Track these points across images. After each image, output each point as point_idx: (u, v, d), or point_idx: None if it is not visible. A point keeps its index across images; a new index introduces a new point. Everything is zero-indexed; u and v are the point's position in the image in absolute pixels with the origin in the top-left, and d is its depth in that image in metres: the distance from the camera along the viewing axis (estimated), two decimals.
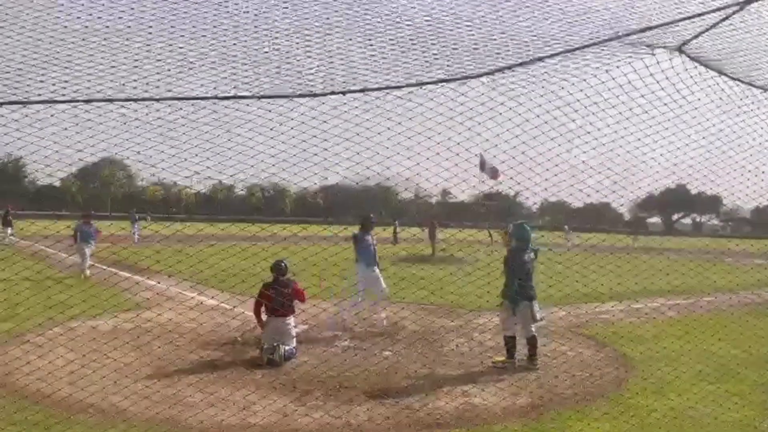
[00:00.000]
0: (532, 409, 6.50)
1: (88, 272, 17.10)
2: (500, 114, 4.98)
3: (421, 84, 4.65)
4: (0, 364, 7.48)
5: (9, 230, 29.10)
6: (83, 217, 18.45)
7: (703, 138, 5.73)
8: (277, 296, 8.24)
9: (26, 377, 6.79)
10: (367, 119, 4.80)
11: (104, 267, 18.57)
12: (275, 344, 8.03)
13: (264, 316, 8.50)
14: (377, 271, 10.78)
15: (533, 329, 8.23)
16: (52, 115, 4.42)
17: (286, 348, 8.10)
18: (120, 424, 5.73)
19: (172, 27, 4.65)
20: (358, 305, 10.54)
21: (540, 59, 4.61)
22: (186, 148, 4.89)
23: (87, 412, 6.01)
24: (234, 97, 4.67)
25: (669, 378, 7.75)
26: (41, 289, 11.51)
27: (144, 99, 4.52)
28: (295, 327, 8.48)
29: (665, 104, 5.29)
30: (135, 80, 4.60)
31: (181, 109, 4.62)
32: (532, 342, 8.23)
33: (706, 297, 14.54)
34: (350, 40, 4.78)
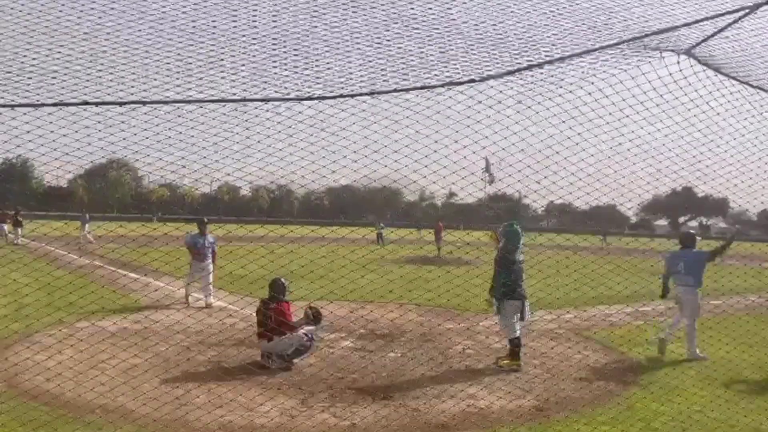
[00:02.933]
0: (538, 412, 6.49)
1: (191, 299, 12.99)
2: (507, 117, 4.99)
3: (428, 87, 4.65)
4: (9, 364, 7.53)
5: (19, 231, 29.25)
6: (198, 225, 13.31)
7: (711, 141, 5.72)
8: (265, 319, 8.00)
9: (35, 378, 6.84)
10: (374, 122, 4.81)
11: (112, 268, 18.64)
12: (270, 353, 7.96)
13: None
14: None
15: (517, 331, 8.25)
16: (62, 118, 4.46)
17: (287, 353, 7.96)
18: (127, 424, 5.76)
19: (181, 30, 4.68)
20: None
21: (547, 63, 4.61)
22: (193, 150, 4.93)
23: (95, 412, 6.04)
24: (241, 100, 4.70)
25: (676, 382, 7.72)
26: (50, 290, 11.57)
27: (152, 102, 4.55)
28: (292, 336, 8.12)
29: (673, 107, 5.28)
30: (143, 83, 4.64)
31: (189, 111, 4.65)
32: (515, 342, 8.26)
33: (713, 300, 14.45)
34: (358, 42, 4.79)
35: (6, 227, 30.43)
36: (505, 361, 8.26)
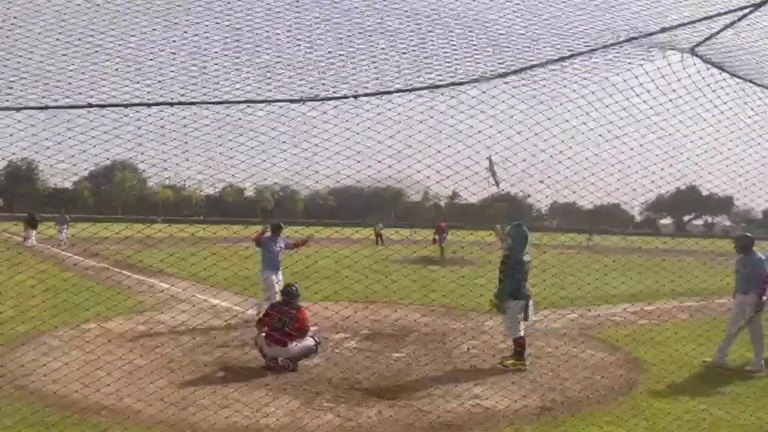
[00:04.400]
0: (543, 412, 6.48)
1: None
2: (511, 117, 4.99)
3: (433, 87, 4.66)
4: (16, 366, 7.56)
5: (33, 233, 29.16)
6: (271, 228, 11.21)
7: (715, 139, 5.71)
8: (281, 324, 7.90)
9: (42, 379, 6.86)
10: (379, 122, 4.82)
11: (118, 270, 18.68)
12: (277, 357, 7.95)
13: (262, 340, 8.06)
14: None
15: (521, 331, 8.27)
16: (67, 120, 4.48)
17: (290, 358, 7.95)
18: (134, 425, 5.78)
19: (184, 32, 4.70)
20: None
21: (551, 62, 4.61)
22: (198, 152, 4.95)
23: (101, 413, 6.06)
24: (246, 101, 4.71)
25: (682, 381, 7.71)
26: (56, 291, 11.62)
27: (157, 104, 4.57)
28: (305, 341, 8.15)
29: (677, 106, 5.28)
30: (148, 85, 4.66)
31: (194, 113, 4.67)
32: (520, 342, 8.27)
33: (718, 299, 14.41)
34: (363, 43, 4.80)
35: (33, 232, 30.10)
36: (510, 361, 8.25)
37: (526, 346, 8.33)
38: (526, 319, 8.28)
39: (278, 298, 10.61)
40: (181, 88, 4.66)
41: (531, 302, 8.31)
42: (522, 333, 8.25)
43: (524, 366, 8.14)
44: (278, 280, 10.78)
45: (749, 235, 8.85)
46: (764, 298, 8.28)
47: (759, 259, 8.48)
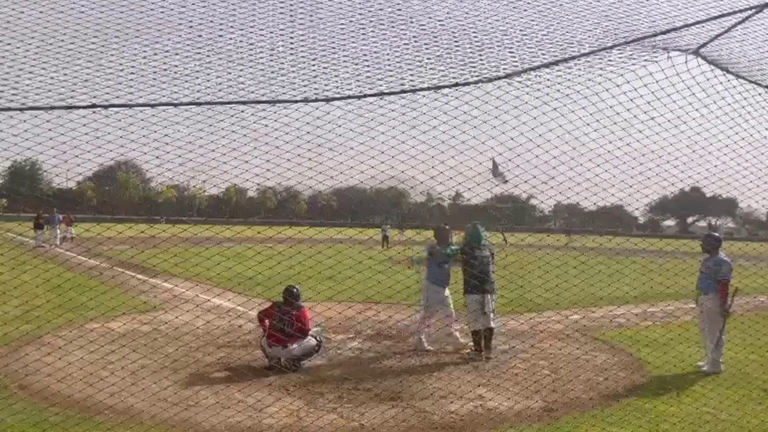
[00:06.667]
0: (546, 413, 6.47)
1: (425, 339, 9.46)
2: (514, 117, 4.99)
3: (436, 87, 4.66)
4: (19, 365, 7.59)
5: (40, 233, 29.15)
6: (437, 233, 9.64)
7: (719, 140, 5.69)
8: (282, 324, 7.93)
9: (45, 379, 6.88)
10: (382, 123, 4.83)
11: (121, 270, 18.71)
12: (279, 358, 7.95)
13: (265, 341, 8.09)
14: None
15: (492, 322, 8.65)
16: (71, 120, 4.49)
17: (291, 359, 7.96)
18: (136, 425, 5.79)
19: (188, 30, 4.71)
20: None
21: (555, 63, 4.61)
22: (201, 152, 4.95)
23: (104, 413, 6.08)
24: (250, 101, 4.72)
25: (685, 382, 7.69)
26: (60, 291, 11.64)
27: (160, 104, 4.58)
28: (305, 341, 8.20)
29: (680, 107, 5.27)
30: (153, 85, 4.67)
31: (198, 113, 4.68)
32: (487, 334, 8.66)
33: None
34: (365, 42, 4.81)
35: (45, 231, 29.86)
36: (467, 351, 8.89)
37: (483, 340, 8.67)
38: (484, 313, 8.58)
39: (452, 313, 9.57)
40: (186, 88, 4.67)
41: (490, 297, 8.66)
42: (480, 326, 8.64)
43: (479, 355, 8.55)
44: (447, 294, 9.55)
45: (717, 235, 8.90)
46: (728, 299, 8.29)
47: (721, 260, 8.44)
